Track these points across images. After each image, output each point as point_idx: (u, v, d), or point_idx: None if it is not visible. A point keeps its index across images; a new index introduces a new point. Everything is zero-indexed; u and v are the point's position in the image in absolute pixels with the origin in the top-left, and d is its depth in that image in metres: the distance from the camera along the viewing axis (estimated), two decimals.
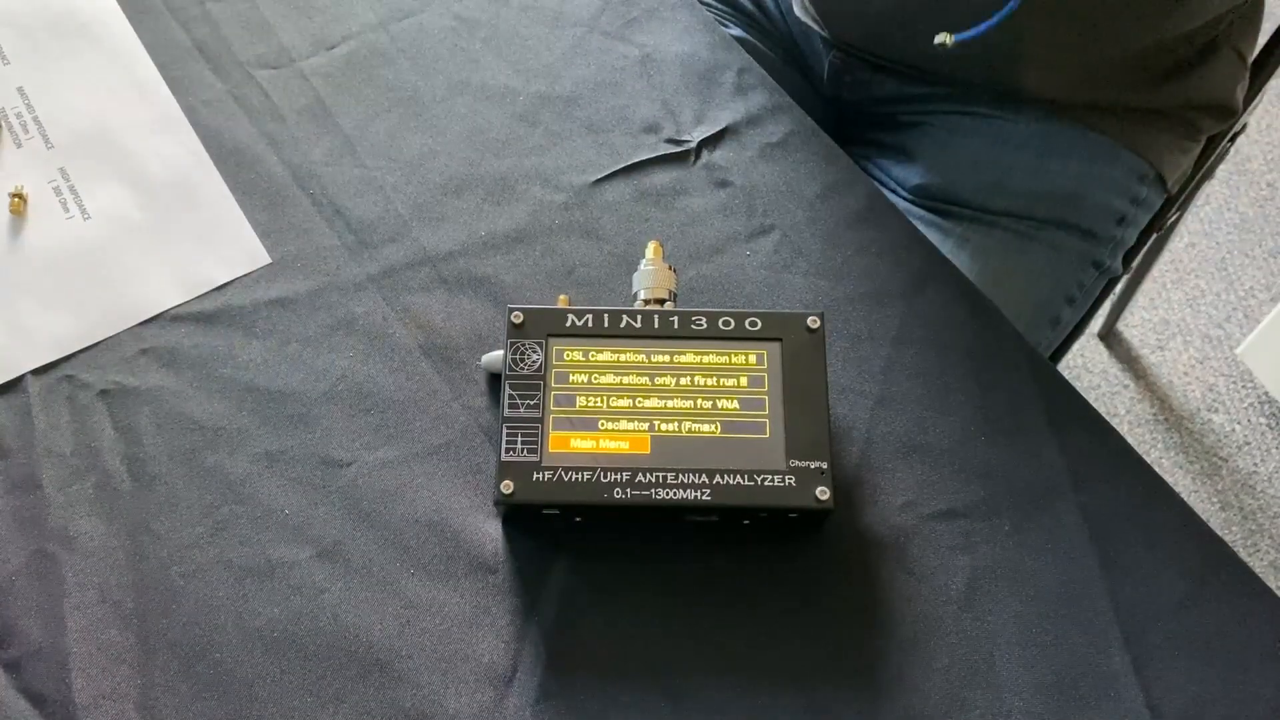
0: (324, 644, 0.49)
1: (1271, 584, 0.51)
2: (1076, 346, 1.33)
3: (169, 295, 0.57)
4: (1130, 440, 0.55)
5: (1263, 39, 0.79)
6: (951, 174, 0.73)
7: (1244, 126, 0.85)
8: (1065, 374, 0.58)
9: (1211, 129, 0.78)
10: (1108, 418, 0.55)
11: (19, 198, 0.59)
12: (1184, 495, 0.53)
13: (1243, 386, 1.38)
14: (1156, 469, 0.55)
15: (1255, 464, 1.33)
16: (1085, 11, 0.53)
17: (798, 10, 0.78)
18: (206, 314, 0.57)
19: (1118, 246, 0.75)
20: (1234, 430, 1.36)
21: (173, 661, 0.48)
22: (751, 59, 0.66)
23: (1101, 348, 1.41)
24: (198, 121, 0.62)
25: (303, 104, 0.63)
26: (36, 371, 0.55)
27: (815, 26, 0.77)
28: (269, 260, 0.58)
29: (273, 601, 0.50)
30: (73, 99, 0.63)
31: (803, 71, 0.81)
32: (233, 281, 0.58)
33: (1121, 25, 0.55)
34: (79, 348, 0.55)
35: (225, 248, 0.58)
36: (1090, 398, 0.55)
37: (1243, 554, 1.25)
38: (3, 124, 0.62)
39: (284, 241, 0.59)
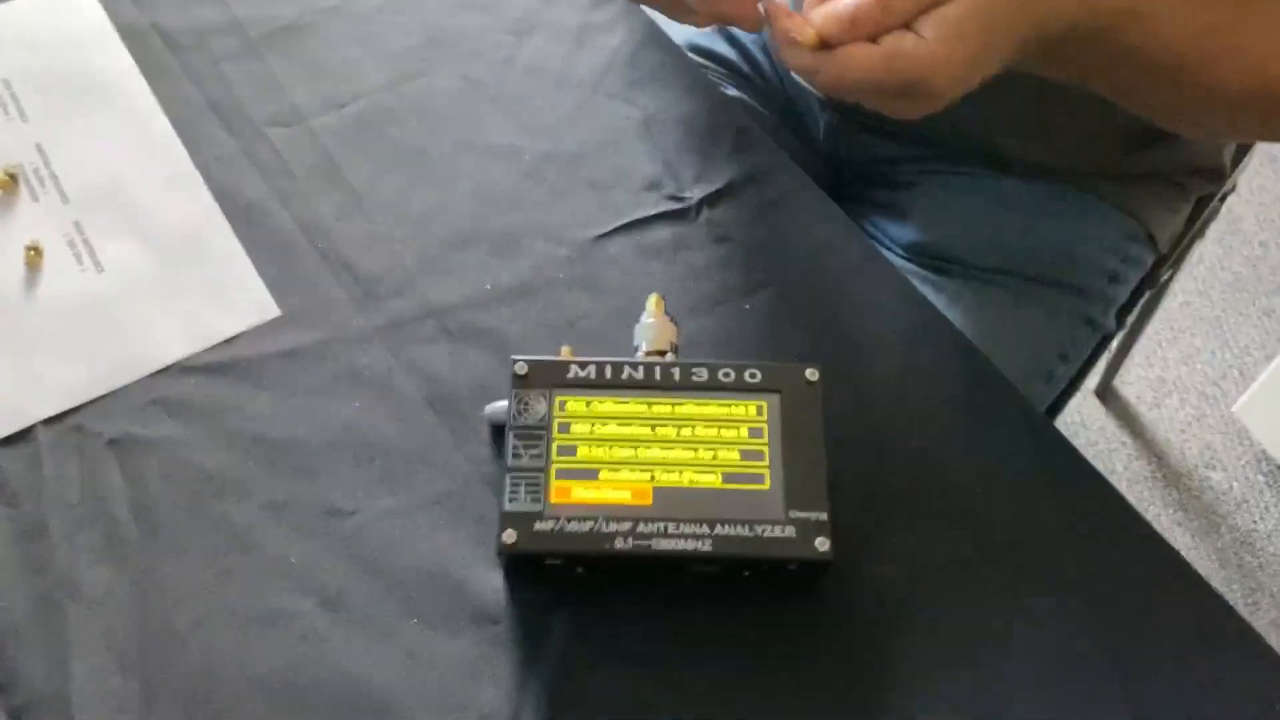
0: (326, 693, 0.49)
1: (1272, 642, 0.52)
2: (1073, 403, 1.33)
3: (179, 347, 0.58)
4: (1129, 497, 0.56)
5: None
6: (945, 232, 0.75)
7: (1234, 186, 0.87)
8: (1063, 430, 0.59)
9: (1201, 189, 0.80)
10: (1105, 474, 0.56)
11: (34, 250, 0.60)
12: (1183, 552, 0.54)
13: (1239, 444, 1.38)
14: (1155, 526, 0.55)
15: (1254, 521, 1.33)
16: (1064, 91, 0.55)
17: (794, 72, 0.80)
18: (215, 365, 0.58)
19: (1110, 304, 0.77)
20: (1232, 488, 1.36)
21: (175, 710, 0.48)
22: (750, 119, 0.68)
23: (1098, 405, 1.42)
24: (210, 177, 0.64)
25: (313, 161, 0.65)
26: (47, 421, 0.55)
27: (811, 89, 0.79)
28: (278, 313, 0.59)
29: (275, 650, 0.50)
30: (89, 155, 0.64)
31: (799, 131, 0.83)
32: (242, 333, 0.59)
33: (1101, 100, 0.56)
34: (89, 398, 0.56)
35: (235, 300, 0.60)
36: (1088, 455, 0.56)
37: (1243, 611, 1.24)
38: (20, 179, 0.63)
39: (293, 294, 0.60)
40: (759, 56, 0.84)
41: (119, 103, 0.66)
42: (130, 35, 0.69)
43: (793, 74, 0.79)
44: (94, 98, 0.67)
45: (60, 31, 0.69)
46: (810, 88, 0.79)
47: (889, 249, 0.76)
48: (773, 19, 0.51)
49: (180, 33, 0.69)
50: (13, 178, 0.63)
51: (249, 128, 0.66)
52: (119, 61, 0.68)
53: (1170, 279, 1.01)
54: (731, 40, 0.84)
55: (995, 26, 0.48)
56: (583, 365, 0.52)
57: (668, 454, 0.50)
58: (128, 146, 0.65)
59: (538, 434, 0.51)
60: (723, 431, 0.51)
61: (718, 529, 0.49)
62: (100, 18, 0.70)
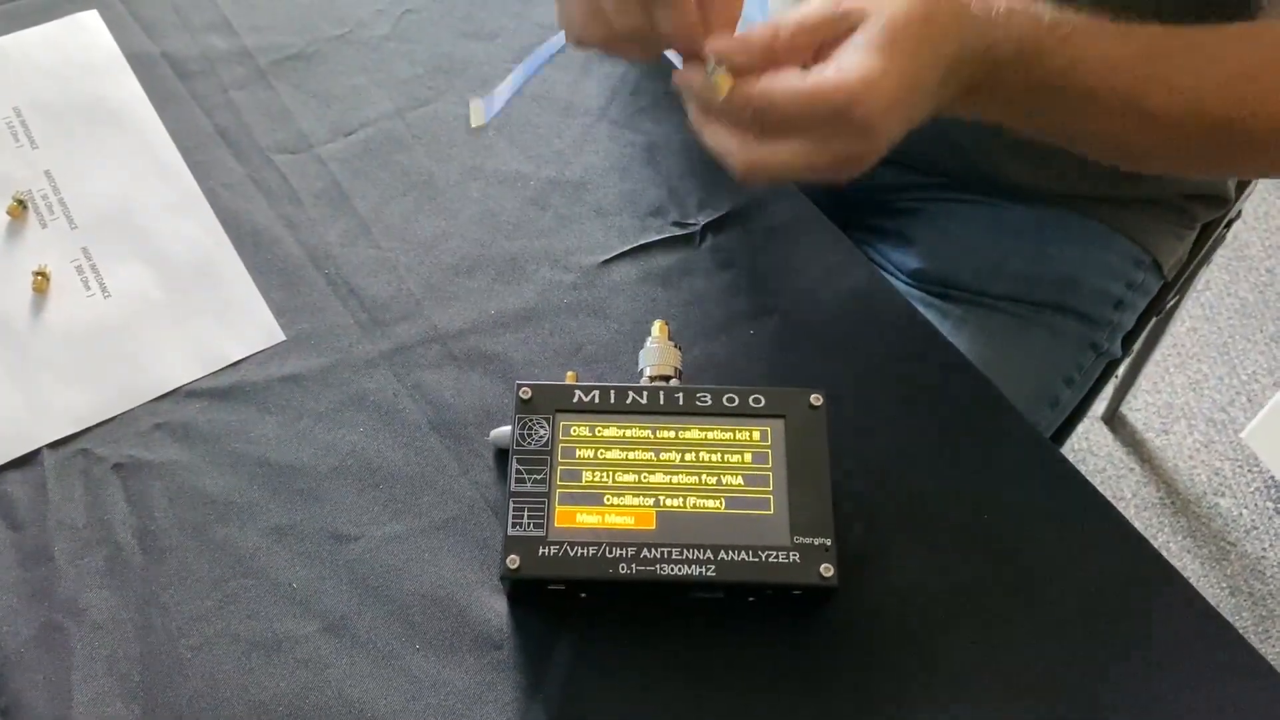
0: (329, 719, 0.49)
1: None
2: (1081, 429, 1.33)
3: (185, 371, 0.58)
4: (1137, 524, 0.55)
5: None
6: (949, 258, 0.75)
7: (1239, 213, 0.87)
8: (1070, 457, 0.58)
9: (1205, 216, 0.80)
10: (1114, 501, 0.56)
11: (42, 276, 0.60)
12: (1192, 580, 0.54)
13: (1249, 470, 1.38)
14: (1164, 553, 0.55)
15: (1264, 548, 1.33)
16: None
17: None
18: (221, 390, 0.58)
19: (1115, 330, 0.77)
20: (1241, 514, 1.35)
21: None
22: None
23: (1106, 431, 1.41)
24: (218, 204, 0.64)
25: (320, 187, 0.65)
26: (52, 445, 0.56)
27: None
28: (284, 338, 0.60)
29: (279, 675, 0.50)
30: (97, 182, 0.65)
31: None
32: (248, 358, 0.59)
33: None
34: (95, 422, 0.56)
35: (241, 325, 0.60)
36: (1096, 481, 0.56)
37: (1254, 640, 1.23)
38: (30, 205, 0.64)
39: (299, 320, 0.60)
40: None
41: (128, 130, 0.67)
42: (140, 63, 0.70)
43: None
44: (103, 125, 0.67)
45: (70, 59, 0.70)
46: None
47: (893, 275, 0.77)
48: (683, 88, 0.51)
49: (189, 61, 0.70)
50: (22, 204, 0.63)
51: (257, 155, 0.66)
52: (128, 89, 0.69)
53: (1176, 305, 1.01)
54: None
55: (916, 46, 0.47)
56: (587, 390, 0.52)
57: (672, 479, 0.50)
58: (136, 173, 0.65)
59: (541, 459, 0.51)
60: (727, 456, 0.51)
61: (722, 554, 0.48)
62: (110, 46, 0.70)
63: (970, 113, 0.52)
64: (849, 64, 0.46)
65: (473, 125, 0.59)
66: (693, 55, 0.52)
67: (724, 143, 0.50)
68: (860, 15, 0.48)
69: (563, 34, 0.55)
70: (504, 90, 0.58)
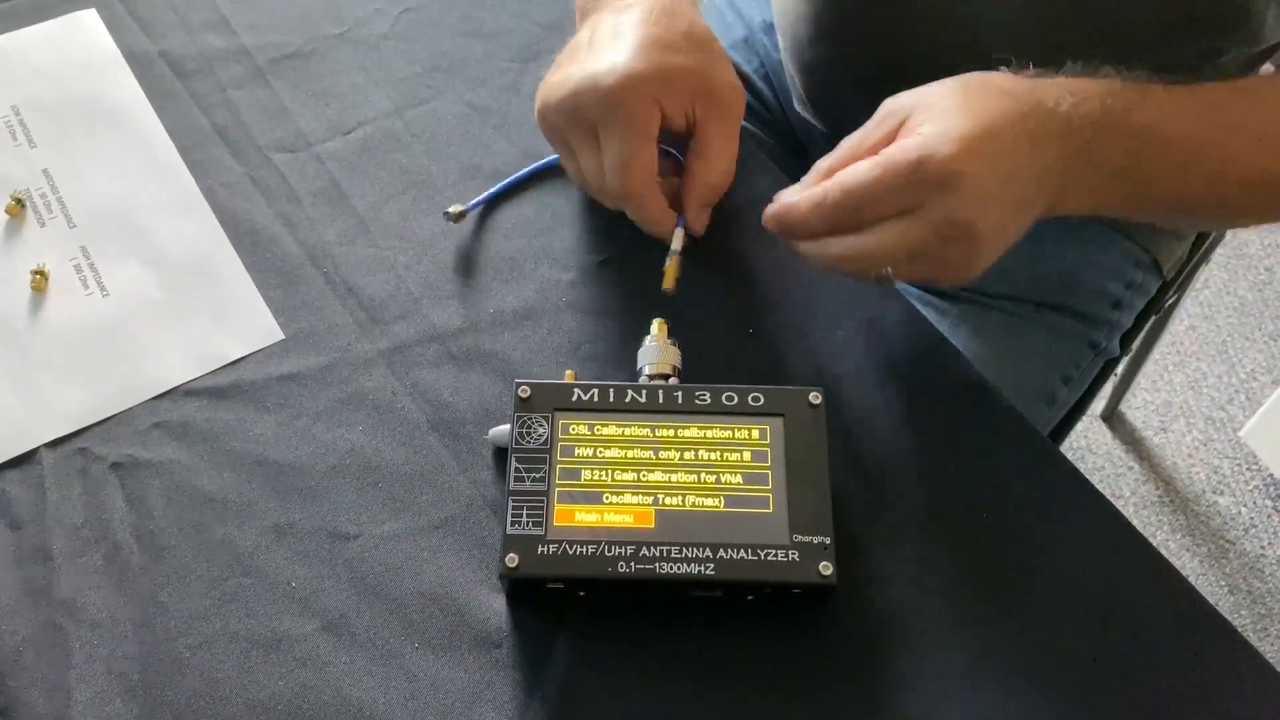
0: (328, 718, 0.49)
1: None
2: (1080, 428, 1.33)
3: (183, 370, 0.58)
4: (1136, 523, 0.55)
5: None
6: None
7: None
8: (1069, 455, 0.58)
9: None
10: (1113, 499, 0.56)
11: (41, 275, 0.60)
12: (1191, 578, 0.54)
13: (1247, 469, 1.38)
14: (1163, 551, 0.55)
15: (1263, 547, 1.33)
16: None
17: (797, 105, 0.81)
18: (219, 389, 0.58)
19: (1114, 329, 0.77)
20: (1240, 513, 1.35)
21: None
22: (754, 146, 0.68)
23: (1105, 430, 1.41)
24: (216, 203, 0.64)
25: (318, 186, 0.65)
26: (51, 444, 0.56)
27: (813, 120, 0.79)
28: (282, 336, 0.60)
29: (278, 674, 0.50)
30: (95, 181, 0.65)
31: (803, 160, 0.83)
32: (246, 357, 0.59)
33: None
34: (93, 421, 0.56)
35: (240, 324, 0.60)
36: (1095, 480, 0.56)
37: (1253, 638, 1.23)
38: (28, 204, 0.64)
39: (297, 318, 0.60)
40: (761, 85, 0.85)
41: (126, 129, 0.67)
42: (138, 62, 0.70)
43: (796, 104, 0.79)
44: (102, 124, 0.67)
45: (68, 58, 0.70)
46: (813, 119, 0.79)
47: None
48: (769, 221, 0.54)
49: (187, 60, 0.70)
50: (20, 203, 0.63)
51: (255, 153, 0.66)
52: (126, 88, 0.69)
53: (1175, 303, 1.01)
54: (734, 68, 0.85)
55: (984, 104, 0.47)
56: (586, 389, 0.52)
57: (671, 478, 0.50)
58: (134, 172, 0.65)
59: (540, 458, 0.51)
60: (726, 455, 0.51)
61: (721, 553, 0.48)
62: (108, 45, 0.70)
63: (1077, 201, 0.52)
64: (912, 130, 0.46)
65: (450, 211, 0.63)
66: (663, 234, 0.58)
67: (824, 251, 0.50)
68: (907, 108, 0.49)
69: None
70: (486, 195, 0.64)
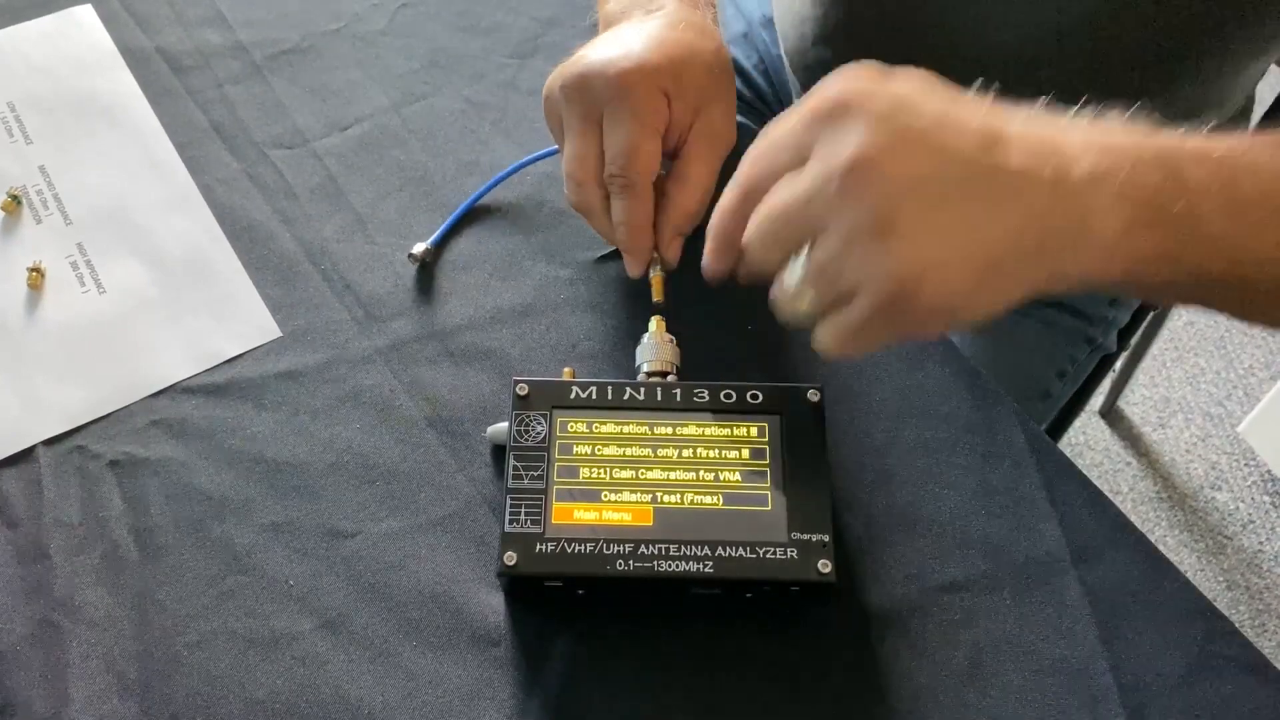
0: (326, 716, 0.49)
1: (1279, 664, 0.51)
2: (1078, 424, 1.33)
3: (180, 368, 0.58)
4: (1134, 518, 0.55)
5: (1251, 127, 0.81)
6: None
7: None
8: (1067, 451, 0.58)
9: None
10: (1111, 495, 0.56)
11: (37, 272, 0.60)
12: (1189, 574, 0.54)
13: (1245, 464, 1.38)
14: (1161, 547, 0.55)
15: (1261, 542, 1.33)
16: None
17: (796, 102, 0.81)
18: (217, 386, 0.58)
19: (1111, 325, 0.77)
20: (1238, 508, 1.35)
21: None
22: (749, 141, 0.68)
23: (1103, 425, 1.41)
24: (213, 199, 0.64)
25: (315, 183, 0.65)
26: (48, 442, 0.55)
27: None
28: (279, 334, 0.59)
29: (275, 673, 0.50)
30: (92, 177, 0.65)
31: None
32: (243, 354, 0.59)
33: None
34: (90, 419, 0.56)
35: (237, 322, 0.60)
36: (1093, 475, 0.56)
37: (1250, 634, 1.24)
38: (24, 201, 0.63)
39: (295, 316, 0.60)
40: (758, 80, 0.85)
41: (123, 125, 0.67)
42: (134, 58, 0.70)
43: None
44: (98, 120, 0.67)
45: (65, 55, 0.70)
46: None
47: None
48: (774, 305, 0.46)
49: (184, 56, 0.70)
50: (16, 200, 0.63)
51: (252, 150, 0.66)
52: (123, 84, 0.68)
53: None
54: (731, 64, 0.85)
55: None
56: (584, 386, 0.52)
57: (669, 475, 0.50)
58: (131, 169, 0.65)
59: (539, 455, 0.51)
60: (724, 453, 0.51)
61: (719, 551, 0.48)
62: (104, 41, 0.70)
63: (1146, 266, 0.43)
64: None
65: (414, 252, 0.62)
66: (639, 251, 0.57)
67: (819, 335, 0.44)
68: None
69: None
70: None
